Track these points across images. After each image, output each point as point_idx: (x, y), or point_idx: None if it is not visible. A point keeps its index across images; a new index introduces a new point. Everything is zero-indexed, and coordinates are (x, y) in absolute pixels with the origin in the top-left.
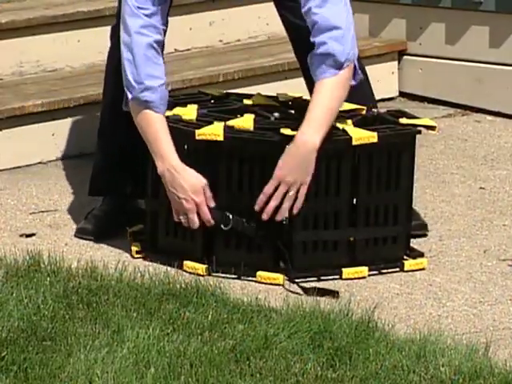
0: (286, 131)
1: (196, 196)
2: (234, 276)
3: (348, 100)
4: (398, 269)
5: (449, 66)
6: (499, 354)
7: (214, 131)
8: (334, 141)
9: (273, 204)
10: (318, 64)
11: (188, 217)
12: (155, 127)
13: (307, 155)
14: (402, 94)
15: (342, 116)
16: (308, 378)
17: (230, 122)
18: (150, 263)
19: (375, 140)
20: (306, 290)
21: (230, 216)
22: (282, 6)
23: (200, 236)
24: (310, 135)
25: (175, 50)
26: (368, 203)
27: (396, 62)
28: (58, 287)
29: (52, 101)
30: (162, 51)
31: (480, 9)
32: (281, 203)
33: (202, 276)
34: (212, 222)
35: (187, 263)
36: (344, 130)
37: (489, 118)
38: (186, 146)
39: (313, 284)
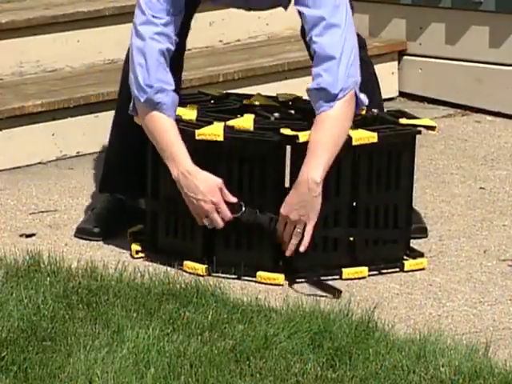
0: (286, 131)
1: (213, 196)
2: (233, 276)
3: None
4: (397, 269)
5: (449, 66)
6: (499, 354)
7: (213, 131)
8: None
9: (286, 241)
10: (315, 99)
11: (210, 218)
12: (167, 131)
13: (309, 193)
14: (401, 94)
15: None
16: (308, 378)
17: (230, 122)
18: (150, 263)
19: (375, 140)
20: (311, 281)
21: (243, 207)
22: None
23: (200, 236)
24: (310, 173)
25: None
26: (368, 203)
27: (396, 62)
28: (58, 287)
29: (52, 101)
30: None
31: (480, 9)
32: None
33: (202, 276)
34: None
35: (187, 263)
36: None
37: (489, 118)
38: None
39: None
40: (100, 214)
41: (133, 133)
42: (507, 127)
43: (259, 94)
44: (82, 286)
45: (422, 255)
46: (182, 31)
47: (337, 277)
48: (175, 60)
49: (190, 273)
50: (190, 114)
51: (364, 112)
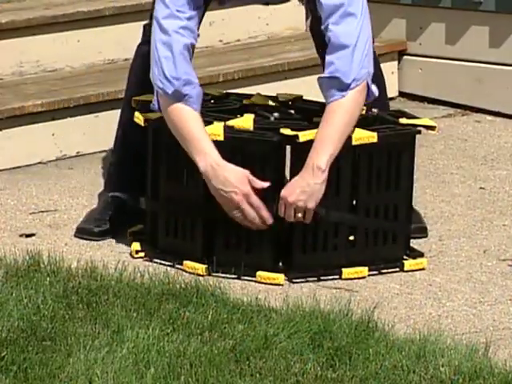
0: (286, 131)
1: (243, 186)
2: (233, 276)
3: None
4: (397, 269)
5: (449, 65)
6: (499, 354)
7: (214, 131)
8: None
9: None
10: (327, 88)
11: (242, 209)
12: (194, 124)
13: (312, 178)
14: (401, 94)
15: None
16: (308, 378)
17: (230, 122)
18: (150, 263)
19: (375, 140)
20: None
21: None
22: None
23: (200, 236)
24: (316, 159)
25: None
26: (368, 203)
27: (396, 62)
28: (58, 287)
29: (52, 101)
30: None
31: (480, 9)
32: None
33: (202, 276)
34: (263, 208)
35: (187, 263)
36: None
37: (489, 118)
38: None
39: (312, 284)
40: (100, 214)
41: (133, 132)
42: (507, 127)
43: (259, 94)
44: (81, 286)
45: (421, 255)
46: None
47: (337, 276)
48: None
49: (189, 273)
50: None
51: (364, 112)
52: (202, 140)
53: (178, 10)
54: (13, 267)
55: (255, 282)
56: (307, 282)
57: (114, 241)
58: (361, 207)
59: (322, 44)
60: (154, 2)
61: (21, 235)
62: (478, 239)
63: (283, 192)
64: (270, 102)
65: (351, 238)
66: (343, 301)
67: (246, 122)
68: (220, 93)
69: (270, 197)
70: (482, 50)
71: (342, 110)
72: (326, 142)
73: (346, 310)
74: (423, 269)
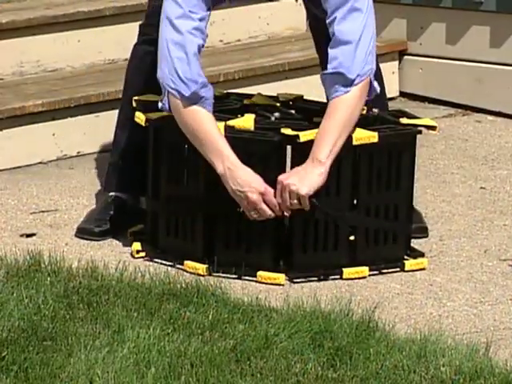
0: (287, 131)
1: (258, 186)
2: (234, 276)
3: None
4: (398, 269)
5: (449, 65)
6: (500, 354)
7: None
8: None
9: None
10: (330, 84)
11: (258, 208)
12: (209, 126)
13: (312, 168)
14: (402, 94)
15: None
16: (308, 377)
17: (231, 122)
18: (151, 263)
19: (376, 140)
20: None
21: None
22: None
23: (200, 236)
24: (316, 152)
25: None
26: (368, 203)
27: (396, 62)
28: (59, 287)
29: (52, 101)
30: None
31: (481, 9)
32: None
33: (203, 276)
34: (278, 209)
35: (188, 263)
36: None
37: (489, 118)
38: (186, 146)
39: (313, 284)
40: (100, 214)
41: (134, 132)
42: (508, 127)
43: (260, 94)
44: (82, 286)
45: (422, 255)
46: None
47: (337, 276)
48: None
49: (190, 272)
50: None
51: (365, 112)
52: (218, 142)
53: (190, 11)
54: (13, 267)
55: (256, 281)
56: (308, 281)
57: (115, 241)
58: (361, 207)
59: (321, 41)
60: (149, 1)
61: (21, 235)
62: (479, 239)
63: (280, 175)
64: (271, 102)
65: (352, 237)
66: (344, 301)
67: (246, 121)
68: (221, 93)
69: None
70: (483, 49)
71: (345, 105)
72: (327, 136)
73: (347, 309)
74: (424, 269)
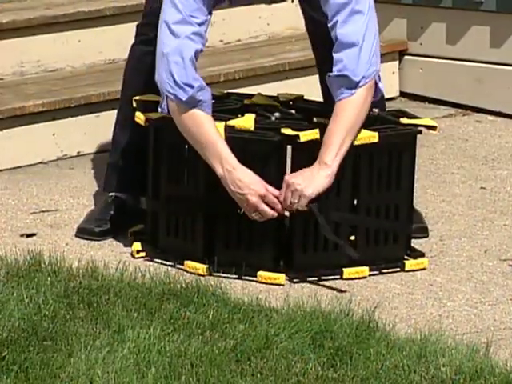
0: (287, 131)
1: (258, 187)
2: (234, 276)
3: None
4: (398, 269)
5: (449, 65)
6: (500, 354)
7: None
8: None
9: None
10: (336, 86)
11: (259, 210)
12: (209, 129)
13: (318, 170)
14: (402, 94)
15: None
16: (309, 377)
17: (231, 122)
18: (151, 263)
19: (376, 140)
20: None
21: None
22: None
23: (201, 236)
24: (322, 155)
25: None
26: (369, 203)
27: (397, 62)
28: (59, 287)
29: (52, 101)
30: None
31: (481, 9)
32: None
33: (203, 276)
34: (280, 207)
35: (188, 263)
36: None
37: (490, 117)
38: (186, 146)
39: (313, 284)
40: (101, 214)
41: (133, 132)
42: (508, 127)
43: (260, 94)
44: (82, 286)
45: (422, 255)
46: None
47: (337, 276)
48: None
49: (190, 272)
50: None
51: None
52: (217, 144)
53: (191, 16)
54: (14, 267)
55: (256, 281)
56: (308, 281)
57: (115, 241)
58: (362, 207)
59: (317, 42)
60: (146, 2)
61: (22, 235)
62: (479, 239)
63: (287, 175)
64: (271, 102)
65: (352, 237)
66: (344, 301)
67: (246, 121)
68: (221, 93)
69: None
70: (483, 49)
71: (351, 107)
72: (333, 139)
73: (347, 309)
74: (424, 269)
